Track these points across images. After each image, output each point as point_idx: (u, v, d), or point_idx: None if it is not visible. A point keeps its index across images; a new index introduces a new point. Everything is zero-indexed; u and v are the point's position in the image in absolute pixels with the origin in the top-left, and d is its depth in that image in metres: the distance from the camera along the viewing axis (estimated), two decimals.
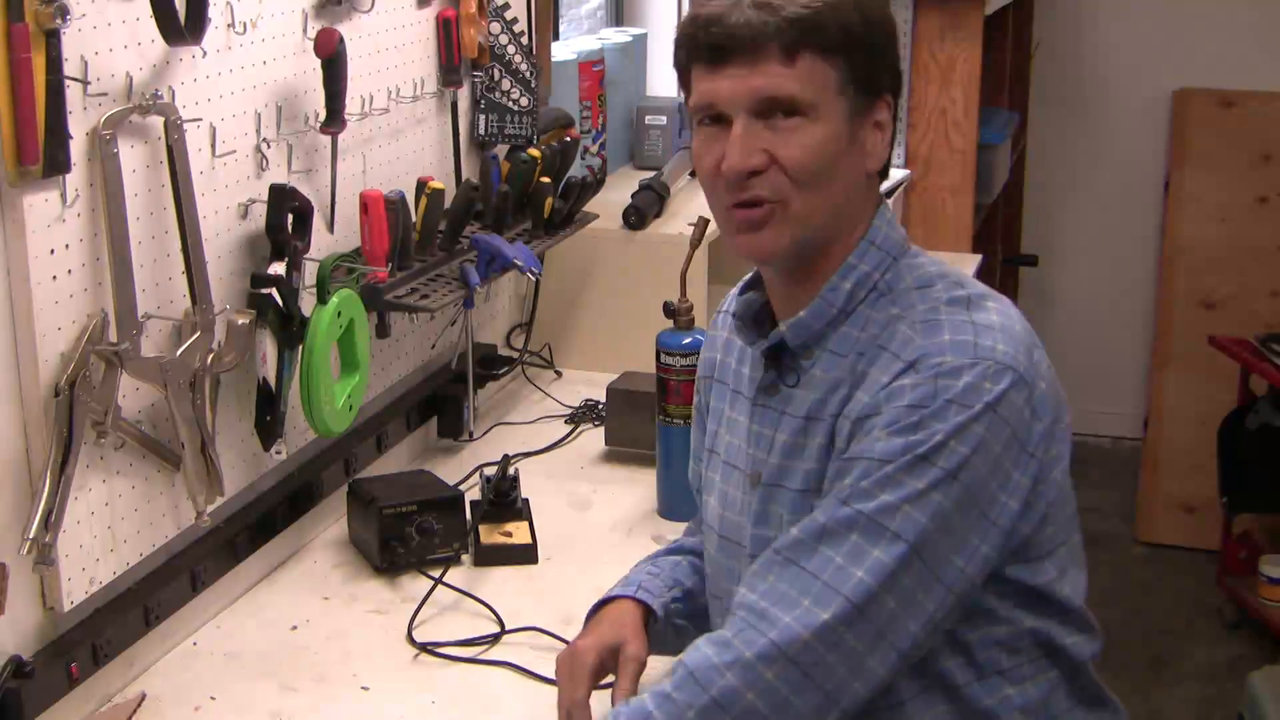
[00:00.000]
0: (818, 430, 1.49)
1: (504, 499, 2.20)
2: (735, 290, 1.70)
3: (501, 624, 1.97)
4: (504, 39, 2.59)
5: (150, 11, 1.71)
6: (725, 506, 1.62)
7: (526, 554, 2.15)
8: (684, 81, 1.54)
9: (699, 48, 1.47)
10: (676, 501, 2.26)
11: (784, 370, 1.54)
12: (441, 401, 2.54)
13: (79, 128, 1.65)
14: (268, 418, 2.02)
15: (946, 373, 1.39)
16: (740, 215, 1.47)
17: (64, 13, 1.57)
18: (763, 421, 1.55)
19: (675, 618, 1.70)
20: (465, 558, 2.13)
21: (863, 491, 1.38)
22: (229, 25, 1.90)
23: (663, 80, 3.79)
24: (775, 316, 1.58)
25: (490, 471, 2.24)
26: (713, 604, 1.68)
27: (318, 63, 2.06)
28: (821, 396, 1.49)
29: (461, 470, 2.42)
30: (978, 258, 3.61)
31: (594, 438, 2.59)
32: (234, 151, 1.94)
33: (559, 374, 2.91)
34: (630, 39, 3.43)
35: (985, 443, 1.38)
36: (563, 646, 1.91)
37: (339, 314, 2.05)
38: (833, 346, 1.50)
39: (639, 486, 2.39)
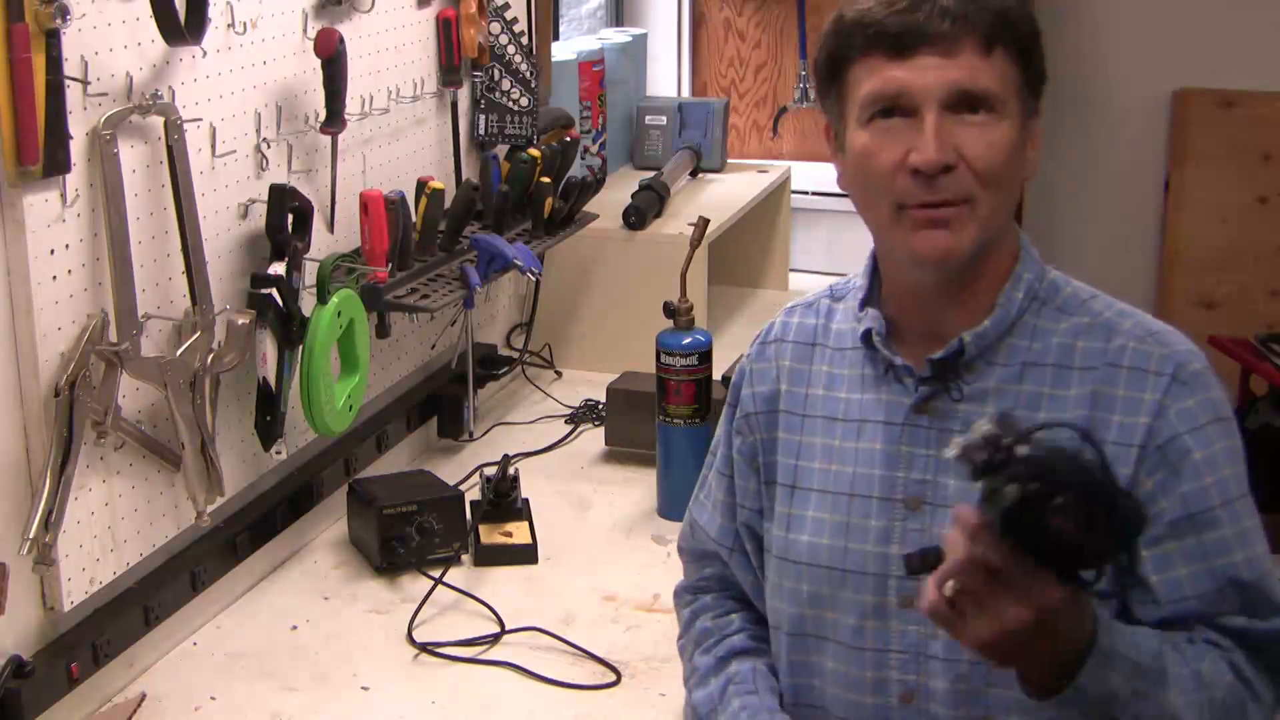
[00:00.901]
0: None
1: (504, 499, 2.20)
2: (789, 318, 1.60)
3: (501, 624, 1.97)
4: (504, 39, 2.59)
5: (150, 11, 1.71)
6: (849, 539, 1.48)
7: (526, 554, 2.15)
8: (835, 71, 1.43)
9: (883, 35, 1.37)
10: (676, 501, 2.26)
11: (948, 385, 1.46)
12: (441, 401, 2.54)
13: (79, 128, 1.65)
14: (268, 418, 2.02)
15: (1208, 380, 1.43)
16: (924, 213, 1.38)
17: (64, 13, 1.57)
18: (914, 440, 1.45)
19: None
20: (465, 558, 2.13)
21: (1260, 558, 1.40)
22: (229, 25, 1.90)
23: (663, 80, 3.79)
24: (896, 333, 1.49)
25: (490, 471, 2.24)
26: (810, 643, 1.52)
27: (318, 63, 2.06)
28: (1023, 413, 1.40)
29: (461, 470, 2.42)
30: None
31: (594, 438, 2.59)
32: (234, 151, 1.94)
33: (559, 374, 2.91)
34: (630, 39, 3.43)
35: None
36: (563, 646, 1.91)
37: (339, 314, 2.05)
38: (1001, 359, 1.44)
39: (639, 486, 2.39)
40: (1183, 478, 1.38)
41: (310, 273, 2.05)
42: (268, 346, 2.00)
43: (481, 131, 2.63)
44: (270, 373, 2.01)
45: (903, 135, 1.37)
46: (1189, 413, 1.39)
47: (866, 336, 1.49)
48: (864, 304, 1.50)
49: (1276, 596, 1.39)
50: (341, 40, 2.07)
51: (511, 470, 2.23)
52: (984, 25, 1.37)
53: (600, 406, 2.63)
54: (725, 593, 1.65)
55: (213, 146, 1.89)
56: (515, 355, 2.83)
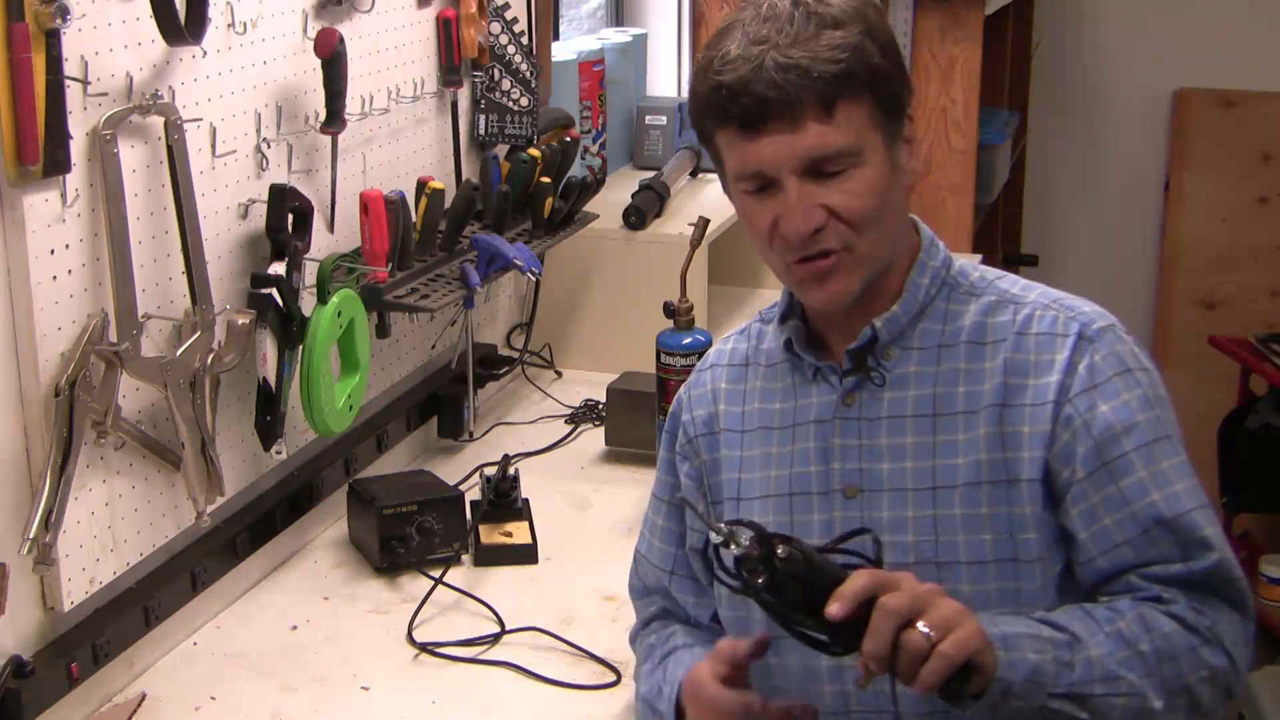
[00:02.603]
0: (959, 424, 1.47)
1: (504, 499, 2.20)
2: (724, 345, 1.66)
3: (501, 624, 1.97)
4: (504, 39, 2.59)
5: (150, 11, 1.71)
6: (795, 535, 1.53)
7: (526, 554, 2.15)
8: (705, 134, 1.50)
9: (729, 117, 1.43)
10: None
11: (869, 372, 1.51)
12: (441, 401, 2.54)
13: (79, 128, 1.65)
14: (268, 418, 2.02)
15: (1115, 335, 1.47)
16: (806, 269, 1.45)
17: (64, 13, 1.57)
18: (846, 433, 1.51)
19: None
20: (465, 558, 2.13)
21: (1180, 495, 1.44)
22: (229, 25, 1.90)
23: (663, 80, 3.79)
24: (821, 341, 1.55)
25: (490, 471, 2.24)
26: (770, 645, 1.51)
27: (318, 63, 2.06)
28: (943, 391, 1.48)
29: (461, 470, 2.42)
30: (978, 258, 3.60)
31: (594, 438, 2.59)
32: (234, 151, 1.94)
33: (559, 374, 2.91)
34: (630, 39, 3.43)
35: None
36: (563, 646, 1.91)
37: (339, 314, 2.05)
38: (917, 343, 1.51)
39: (639, 486, 2.39)
40: (1094, 429, 1.44)
41: (310, 273, 2.05)
42: (268, 346, 2.00)
43: (481, 131, 2.63)
44: (270, 373, 2.01)
45: (771, 203, 1.45)
46: (1096, 367, 1.46)
47: (789, 344, 1.56)
48: (783, 318, 1.58)
49: (1205, 532, 1.42)
50: (341, 40, 2.07)
51: (511, 470, 2.23)
52: (817, 93, 1.41)
53: (600, 406, 2.63)
54: (672, 620, 1.69)
55: (213, 146, 1.89)
56: (515, 355, 2.83)
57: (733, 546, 1.30)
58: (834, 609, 1.27)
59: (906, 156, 1.50)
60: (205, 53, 1.85)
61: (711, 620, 1.65)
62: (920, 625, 1.27)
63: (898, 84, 1.47)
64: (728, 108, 1.42)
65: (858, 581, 1.28)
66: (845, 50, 1.41)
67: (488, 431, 2.62)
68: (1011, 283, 1.54)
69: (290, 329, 2.01)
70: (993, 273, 1.56)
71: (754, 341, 1.63)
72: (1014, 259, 4.84)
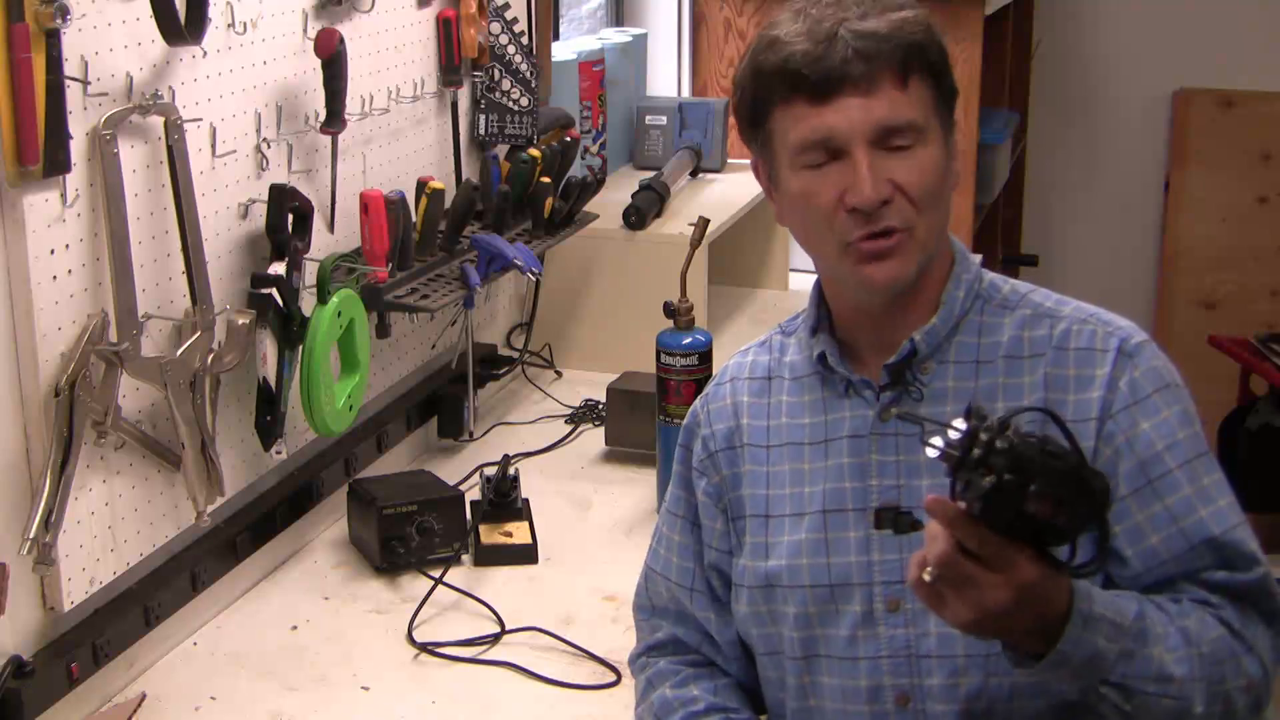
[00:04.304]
0: None
1: (504, 499, 2.20)
2: (743, 358, 1.64)
3: (501, 624, 1.97)
4: (504, 39, 2.59)
5: (150, 11, 1.71)
6: (831, 554, 1.49)
7: (526, 554, 2.15)
8: (758, 116, 1.47)
9: (801, 84, 1.41)
10: None
11: (907, 387, 1.50)
12: (441, 401, 2.54)
13: (79, 128, 1.65)
14: (268, 418, 2.02)
15: (1153, 350, 1.48)
16: (869, 246, 1.43)
17: (64, 13, 1.57)
18: (884, 449, 1.49)
19: None
20: (465, 558, 2.13)
21: (1225, 511, 1.45)
22: (229, 25, 1.90)
23: (663, 80, 3.79)
24: (850, 354, 1.54)
25: (490, 471, 2.24)
26: (803, 664, 1.52)
27: (318, 63, 2.06)
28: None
29: (461, 470, 2.42)
30: (978, 258, 3.59)
31: (594, 438, 2.59)
32: (234, 151, 1.94)
33: (559, 374, 2.91)
34: (630, 39, 3.43)
35: None
36: (563, 646, 1.91)
37: (339, 314, 2.05)
38: (953, 357, 1.49)
39: (639, 486, 2.39)
40: (1137, 446, 1.44)
41: (310, 273, 2.05)
42: (268, 346, 2.00)
43: (481, 131, 2.63)
44: (270, 373, 2.01)
45: (836, 176, 1.43)
46: (1136, 383, 1.45)
47: (822, 358, 1.53)
48: (814, 331, 1.55)
49: (1250, 547, 1.43)
50: (341, 40, 2.07)
51: (511, 470, 2.23)
52: (896, 60, 1.41)
53: (600, 406, 2.63)
54: (681, 657, 1.64)
55: (213, 146, 1.89)
56: (515, 355, 2.83)
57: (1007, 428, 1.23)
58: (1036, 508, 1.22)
59: (953, 159, 1.50)
60: (205, 53, 1.85)
61: (728, 644, 1.60)
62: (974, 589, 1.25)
63: (952, 80, 1.49)
64: (801, 75, 1.41)
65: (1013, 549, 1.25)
66: (919, 25, 1.44)
67: (488, 431, 2.62)
68: (1044, 296, 1.53)
69: (290, 329, 2.01)
70: (1024, 286, 1.55)
71: (776, 354, 1.61)
72: (1014, 259, 4.85)
